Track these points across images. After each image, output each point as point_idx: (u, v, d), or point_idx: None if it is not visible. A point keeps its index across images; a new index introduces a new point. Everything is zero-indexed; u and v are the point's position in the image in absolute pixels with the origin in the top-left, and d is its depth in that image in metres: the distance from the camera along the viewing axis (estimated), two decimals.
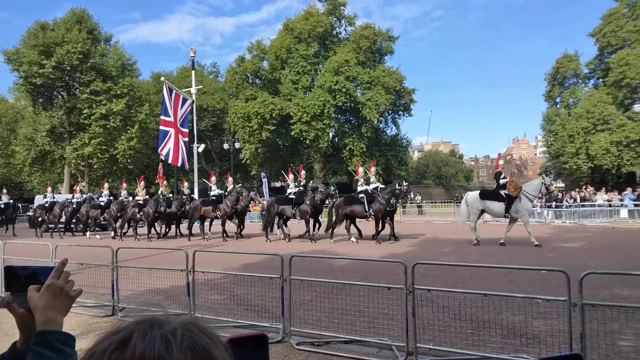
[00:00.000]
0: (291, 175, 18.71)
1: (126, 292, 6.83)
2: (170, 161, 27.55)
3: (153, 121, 39.97)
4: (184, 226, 20.61)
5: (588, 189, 28.74)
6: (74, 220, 22.41)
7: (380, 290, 5.18)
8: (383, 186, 16.87)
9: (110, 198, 21.10)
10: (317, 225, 17.20)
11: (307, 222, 16.82)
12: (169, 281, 6.50)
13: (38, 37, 36.80)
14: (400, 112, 44.99)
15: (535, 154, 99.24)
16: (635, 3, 37.36)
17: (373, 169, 17.75)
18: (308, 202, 16.75)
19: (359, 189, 16.42)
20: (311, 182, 18.72)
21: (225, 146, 43.39)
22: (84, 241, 18.36)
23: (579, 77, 42.17)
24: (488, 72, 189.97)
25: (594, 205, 24.50)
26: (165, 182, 21.30)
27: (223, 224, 18.55)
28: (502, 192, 14.17)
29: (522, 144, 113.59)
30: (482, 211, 15.01)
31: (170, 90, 27.26)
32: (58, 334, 0.98)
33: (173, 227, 20.76)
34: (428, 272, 7.15)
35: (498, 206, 14.21)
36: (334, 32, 44.86)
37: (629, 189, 25.76)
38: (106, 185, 22.48)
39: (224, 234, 18.37)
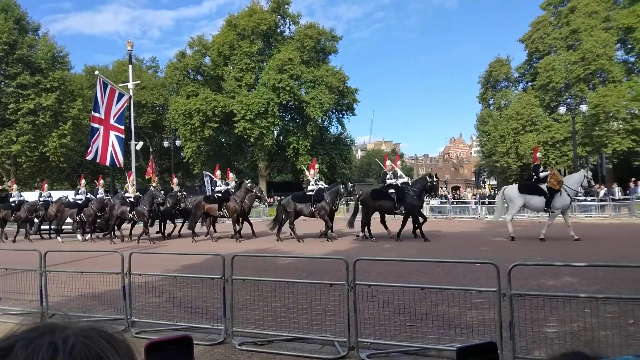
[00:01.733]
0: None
1: (56, 298, 6.44)
2: (98, 160, 26.21)
3: (87, 117, 37.79)
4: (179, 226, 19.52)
5: None
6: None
7: (323, 287, 5.23)
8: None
9: (89, 196, 19.37)
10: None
11: (327, 220, 15.82)
12: (103, 285, 6.21)
13: None
14: (344, 111, 45.59)
15: (471, 153, 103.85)
16: (560, 12, 40.09)
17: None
18: (328, 200, 15.75)
19: (388, 182, 15.70)
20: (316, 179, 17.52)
21: (166, 144, 42.00)
22: (8, 245, 17.12)
23: (510, 81, 44.63)
24: (426, 74, 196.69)
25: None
26: (156, 177, 19.89)
27: (235, 223, 16.90)
28: (543, 185, 13.67)
29: (458, 143, 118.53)
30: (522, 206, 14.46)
31: (104, 85, 25.96)
32: None
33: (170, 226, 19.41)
34: (370, 268, 7.30)
35: (538, 200, 13.75)
36: (278, 30, 44.66)
37: None
38: (83, 182, 20.29)
39: (237, 234, 16.80)
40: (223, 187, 17.75)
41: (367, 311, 5.01)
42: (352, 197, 16.78)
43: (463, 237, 14.20)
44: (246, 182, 17.60)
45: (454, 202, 30.05)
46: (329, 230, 15.62)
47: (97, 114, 25.59)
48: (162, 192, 17.84)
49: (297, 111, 42.94)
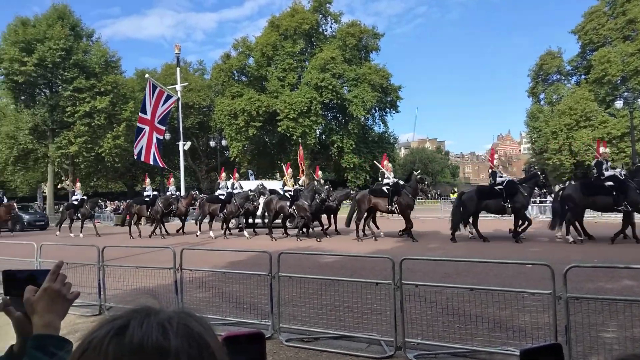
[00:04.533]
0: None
1: (113, 291, 6.76)
2: (142, 159, 27.32)
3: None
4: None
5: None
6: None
7: (368, 286, 5.21)
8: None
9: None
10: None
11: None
12: (156, 280, 6.46)
13: (19, 33, 36.04)
14: (387, 109, 45.18)
15: (520, 150, 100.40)
16: (615, 1, 37.97)
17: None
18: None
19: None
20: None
21: (212, 144, 43.13)
22: (68, 240, 18.13)
23: (562, 74, 42.74)
24: (472, 69, 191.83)
25: None
26: (304, 171, 19.58)
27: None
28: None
29: (506, 140, 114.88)
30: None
31: (153, 87, 27.01)
32: (55, 338, 0.97)
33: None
34: (416, 268, 7.21)
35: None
36: (320, 29, 44.82)
37: None
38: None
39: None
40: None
41: (414, 311, 4.95)
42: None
43: (508, 237, 13.75)
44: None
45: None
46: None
47: (144, 115, 26.66)
48: (327, 187, 16.72)
49: (340, 110, 42.95)
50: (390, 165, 16.89)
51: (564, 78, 42.97)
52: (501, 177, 14.73)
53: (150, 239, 18.11)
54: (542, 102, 43.21)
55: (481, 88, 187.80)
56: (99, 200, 23.88)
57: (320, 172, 18.61)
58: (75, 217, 21.56)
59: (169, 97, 28.15)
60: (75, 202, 21.60)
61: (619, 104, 32.38)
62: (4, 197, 25.09)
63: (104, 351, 0.59)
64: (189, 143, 32.55)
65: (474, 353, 4.42)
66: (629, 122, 31.76)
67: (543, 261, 4.53)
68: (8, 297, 1.08)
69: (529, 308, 4.78)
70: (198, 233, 18.35)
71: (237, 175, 20.05)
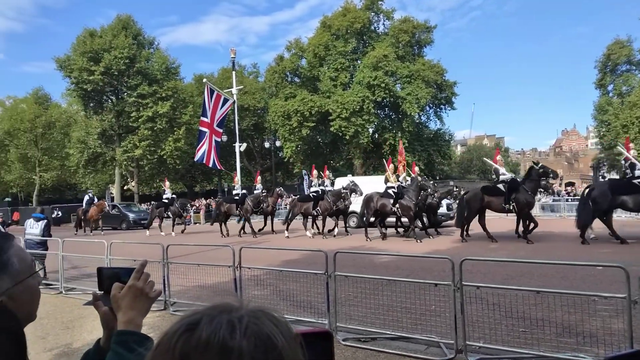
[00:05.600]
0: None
1: (176, 288, 7.06)
2: (204, 162, 28.17)
3: (197, 122, 40.98)
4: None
5: None
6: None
7: (426, 286, 5.11)
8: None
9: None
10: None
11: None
12: (216, 277, 6.67)
13: (87, 44, 38.50)
14: (442, 105, 44.08)
15: (587, 145, 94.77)
16: None
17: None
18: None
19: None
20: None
21: (266, 145, 43.99)
22: (135, 238, 19.12)
23: (632, 64, 39.79)
24: (532, 62, 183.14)
25: None
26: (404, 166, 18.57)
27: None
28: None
29: (572, 135, 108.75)
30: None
31: (211, 92, 27.88)
32: (136, 335, 1.02)
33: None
34: (475, 269, 6.99)
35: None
36: (372, 27, 44.46)
37: None
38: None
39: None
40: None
41: (475, 314, 4.79)
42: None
43: (577, 238, 12.99)
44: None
45: (569, 200, 27.58)
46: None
47: (205, 119, 27.58)
48: (432, 182, 16.39)
49: (393, 108, 42.42)
50: (502, 160, 16.07)
51: (634, 68, 39.98)
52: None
53: (239, 237, 18.16)
54: (610, 94, 40.52)
55: (543, 81, 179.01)
56: (188, 203, 24.71)
57: (417, 168, 18.16)
58: (165, 216, 22.28)
59: (226, 100, 28.97)
60: (166, 201, 22.25)
61: None
62: (95, 197, 26.74)
63: (172, 347, 0.60)
64: (244, 144, 33.38)
65: (541, 358, 4.22)
66: None
67: (615, 263, 4.25)
68: (101, 293, 1.15)
69: (601, 313, 4.49)
70: (287, 234, 17.86)
71: (327, 172, 19.53)
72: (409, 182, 15.99)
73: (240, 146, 31.38)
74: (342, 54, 41.95)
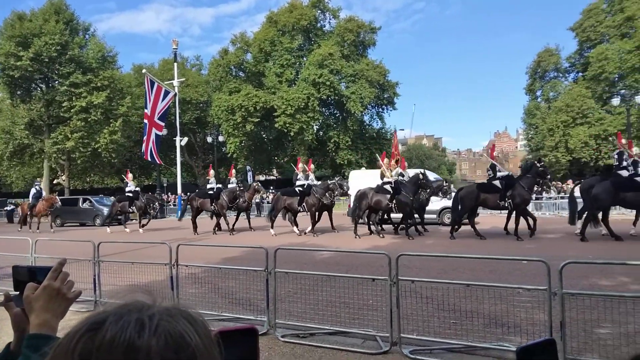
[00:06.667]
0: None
1: (108, 287, 6.74)
2: (144, 156, 27.13)
3: (135, 114, 39.39)
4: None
5: (567, 182, 29.29)
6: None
7: (364, 282, 5.21)
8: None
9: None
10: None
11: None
12: (151, 275, 6.44)
13: (15, 27, 35.84)
14: (385, 105, 45.15)
15: (517, 147, 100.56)
16: None
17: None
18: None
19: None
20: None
21: (209, 139, 43.05)
22: (63, 235, 18.06)
23: (560, 71, 42.78)
24: (470, 66, 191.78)
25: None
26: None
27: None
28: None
29: (503, 137, 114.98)
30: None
31: (151, 83, 26.93)
32: (48, 338, 0.94)
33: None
34: (412, 264, 7.21)
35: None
36: (318, 25, 44.69)
37: None
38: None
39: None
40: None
41: (410, 307, 4.95)
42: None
43: (506, 234, 13.80)
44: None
45: None
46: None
47: (146, 111, 26.60)
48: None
49: (338, 106, 42.92)
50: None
51: (561, 75, 43.01)
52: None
53: (214, 234, 17.42)
54: (539, 99, 43.28)
55: (479, 85, 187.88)
56: (157, 196, 22.50)
57: (406, 164, 17.43)
58: (130, 211, 20.38)
59: (167, 92, 28.08)
60: (130, 195, 20.20)
61: (615, 101, 32.32)
62: (43, 190, 24.19)
63: (72, 349, 0.57)
64: (185, 139, 32.48)
65: (470, 349, 4.44)
66: (625, 120, 31.82)
67: (539, 257, 4.54)
68: (11, 293, 1.07)
69: (525, 304, 4.79)
70: (272, 232, 16.30)
71: (312, 166, 18.20)
72: (405, 177, 15.45)
73: (181, 140, 30.53)
74: (288, 50, 41.86)
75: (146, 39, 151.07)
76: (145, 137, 26.58)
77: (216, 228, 18.29)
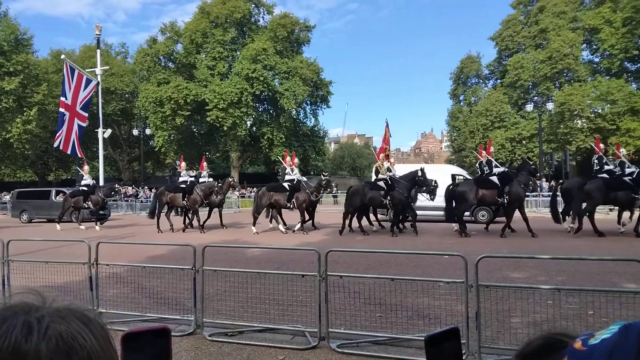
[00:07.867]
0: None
1: (19, 290, 6.24)
2: (61, 148, 25.21)
3: (52, 103, 36.60)
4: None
5: None
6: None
7: (294, 278, 5.25)
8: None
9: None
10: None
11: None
12: (68, 275, 6.06)
13: None
14: (318, 103, 45.53)
15: (441, 147, 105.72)
16: (530, 11, 41.04)
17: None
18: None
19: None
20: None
21: (135, 132, 41.05)
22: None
23: (480, 78, 45.54)
24: (400, 68, 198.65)
25: None
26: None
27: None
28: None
29: (429, 138, 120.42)
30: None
31: (72, 70, 25.11)
32: None
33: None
34: (341, 260, 7.37)
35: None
36: (253, 19, 44.08)
37: None
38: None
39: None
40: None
41: (338, 302, 5.06)
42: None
43: (431, 231, 14.49)
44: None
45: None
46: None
47: (64, 99, 24.73)
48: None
49: (271, 102, 42.65)
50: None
51: (481, 81, 45.79)
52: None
53: (183, 233, 16.23)
54: (462, 103, 45.75)
55: (407, 87, 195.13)
56: (116, 186, 20.01)
57: (392, 159, 16.84)
58: (85, 206, 18.58)
59: (89, 81, 26.27)
60: (85, 188, 18.41)
61: (529, 107, 34.94)
62: None
63: None
64: (109, 131, 30.59)
65: (394, 340, 4.63)
66: (537, 124, 34.51)
67: (458, 252, 4.82)
68: None
69: (445, 296, 5.07)
70: (255, 230, 15.50)
71: (296, 160, 17.36)
72: (392, 173, 15.21)
73: (104, 132, 28.78)
74: (221, 42, 40.90)
75: (66, 23, 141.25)
76: (62, 128, 24.68)
77: (189, 225, 17.24)
